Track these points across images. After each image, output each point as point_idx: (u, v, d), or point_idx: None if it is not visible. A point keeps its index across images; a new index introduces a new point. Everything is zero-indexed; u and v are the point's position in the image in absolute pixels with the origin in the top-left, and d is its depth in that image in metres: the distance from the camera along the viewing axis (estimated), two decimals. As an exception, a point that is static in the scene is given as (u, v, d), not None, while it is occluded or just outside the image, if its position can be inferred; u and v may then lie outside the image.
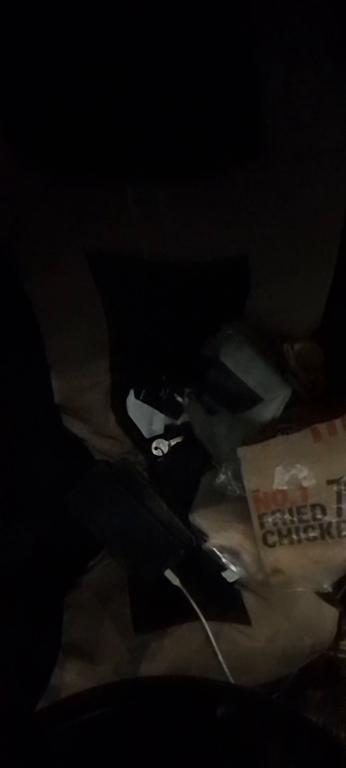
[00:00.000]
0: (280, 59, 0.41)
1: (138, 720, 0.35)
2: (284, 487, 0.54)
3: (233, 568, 0.61)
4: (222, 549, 0.61)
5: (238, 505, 0.58)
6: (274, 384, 0.65)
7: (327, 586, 0.59)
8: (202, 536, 0.62)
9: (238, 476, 0.57)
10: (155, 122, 0.45)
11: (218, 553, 0.61)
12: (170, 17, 0.39)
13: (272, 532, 0.55)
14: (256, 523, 0.55)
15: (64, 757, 0.33)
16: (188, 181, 0.50)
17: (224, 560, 0.61)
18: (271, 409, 0.65)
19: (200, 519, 0.62)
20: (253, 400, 0.64)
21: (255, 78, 0.42)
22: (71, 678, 0.57)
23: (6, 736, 0.40)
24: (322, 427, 0.53)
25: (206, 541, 0.61)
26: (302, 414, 0.62)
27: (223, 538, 0.60)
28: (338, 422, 0.53)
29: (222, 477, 0.61)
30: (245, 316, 0.65)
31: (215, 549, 0.61)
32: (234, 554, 0.60)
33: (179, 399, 0.70)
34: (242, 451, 0.55)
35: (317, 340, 0.66)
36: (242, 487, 0.56)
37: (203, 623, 0.59)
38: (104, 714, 0.34)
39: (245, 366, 0.65)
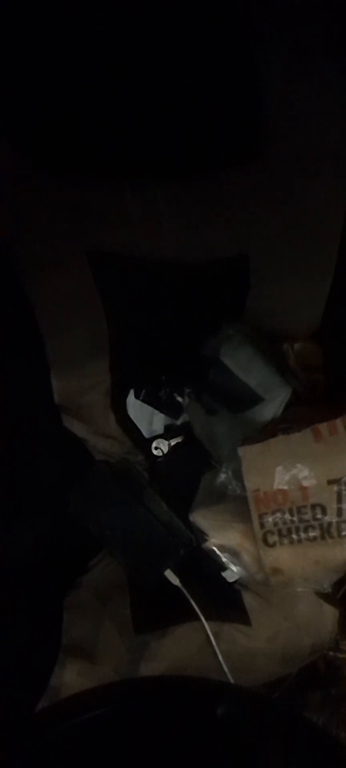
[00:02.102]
0: (280, 60, 0.41)
1: (138, 720, 0.35)
2: (285, 487, 0.54)
3: (233, 567, 0.61)
4: (222, 549, 0.61)
5: (238, 505, 0.58)
6: (274, 384, 0.65)
7: (327, 586, 0.59)
8: (202, 536, 0.62)
9: (238, 476, 0.57)
10: (156, 123, 0.45)
11: (218, 552, 0.61)
12: (171, 18, 0.39)
13: (272, 532, 0.55)
14: (256, 522, 0.55)
15: (64, 757, 0.33)
16: (188, 181, 0.50)
17: (223, 560, 0.61)
18: (271, 409, 0.65)
19: (200, 518, 0.62)
20: (253, 400, 0.64)
21: (255, 78, 0.42)
22: (71, 678, 0.57)
23: (6, 736, 0.40)
24: (323, 427, 0.53)
25: (205, 540, 0.61)
26: (303, 414, 0.62)
27: (223, 537, 0.60)
28: (338, 422, 0.53)
29: (222, 476, 0.60)
30: (245, 316, 0.65)
31: (214, 549, 0.61)
32: (234, 554, 0.60)
33: (179, 399, 0.70)
34: (243, 451, 0.55)
35: (317, 340, 0.67)
36: (243, 487, 0.56)
37: (203, 623, 0.59)
38: (104, 714, 0.34)
39: (245, 366, 0.65)
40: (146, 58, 0.41)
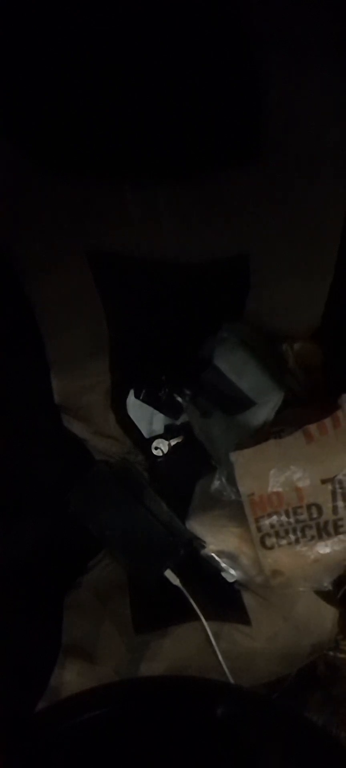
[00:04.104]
0: (280, 60, 0.41)
1: (138, 720, 0.35)
2: (279, 489, 0.54)
3: (232, 572, 0.61)
4: (220, 554, 0.61)
5: (234, 509, 0.58)
6: (267, 388, 0.65)
7: (327, 585, 0.59)
8: (199, 542, 0.62)
9: (233, 481, 0.57)
10: (156, 122, 0.45)
11: (217, 558, 0.61)
12: (171, 17, 0.39)
13: (269, 535, 0.56)
14: (253, 526, 0.55)
15: (64, 757, 0.33)
16: (188, 181, 0.50)
17: (223, 565, 0.61)
18: (263, 412, 0.65)
19: (197, 525, 0.62)
20: (245, 403, 0.64)
21: (255, 78, 0.42)
22: (71, 678, 0.57)
23: (6, 736, 0.40)
24: (313, 428, 0.53)
25: (203, 547, 0.61)
26: (295, 416, 0.62)
27: (220, 543, 0.60)
28: (327, 422, 0.53)
29: (216, 483, 0.61)
30: (245, 316, 0.65)
31: (213, 554, 0.61)
32: (232, 558, 0.60)
33: (179, 399, 0.70)
34: (235, 456, 0.55)
35: (317, 340, 0.66)
36: (238, 492, 0.56)
37: (203, 623, 0.59)
38: (104, 714, 0.34)
39: (238, 369, 0.65)
40: (146, 57, 0.41)
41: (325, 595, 0.62)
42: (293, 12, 0.39)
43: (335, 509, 0.54)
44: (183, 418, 0.72)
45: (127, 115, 0.44)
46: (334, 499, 0.54)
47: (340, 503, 0.54)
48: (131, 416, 0.72)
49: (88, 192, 0.50)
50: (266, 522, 0.55)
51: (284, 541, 0.55)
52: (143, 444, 0.72)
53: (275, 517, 0.55)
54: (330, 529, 0.55)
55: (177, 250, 0.56)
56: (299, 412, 0.63)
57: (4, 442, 0.60)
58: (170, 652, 0.59)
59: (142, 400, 0.71)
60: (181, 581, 0.62)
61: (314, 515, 0.54)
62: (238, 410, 0.65)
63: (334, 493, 0.54)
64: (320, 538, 0.55)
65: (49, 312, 0.61)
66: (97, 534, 0.66)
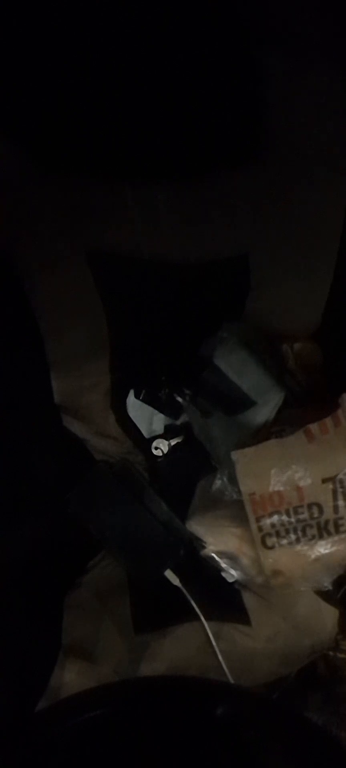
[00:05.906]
0: (280, 60, 0.41)
1: (138, 720, 0.35)
2: (281, 489, 0.54)
3: (232, 572, 0.61)
4: (220, 554, 0.61)
5: (234, 509, 0.58)
6: (267, 387, 0.65)
7: (327, 584, 0.59)
8: (199, 543, 0.62)
9: (234, 481, 0.57)
10: (156, 123, 0.45)
11: (217, 558, 0.61)
12: (171, 17, 0.39)
13: (270, 534, 0.56)
14: (254, 525, 0.55)
15: (64, 757, 0.33)
16: (188, 181, 0.50)
17: (223, 565, 0.61)
18: (264, 412, 0.64)
19: (197, 526, 0.62)
20: (246, 403, 0.64)
21: (255, 78, 0.42)
22: (71, 678, 0.57)
23: (6, 736, 0.40)
24: (314, 427, 0.53)
25: (203, 547, 0.61)
26: (295, 416, 0.62)
27: (221, 543, 0.60)
28: (328, 421, 0.53)
29: (218, 483, 0.61)
30: (245, 316, 0.65)
31: (213, 555, 0.61)
32: (232, 558, 0.60)
33: (179, 399, 0.70)
34: (237, 455, 0.55)
35: (316, 340, 0.66)
36: (239, 492, 0.56)
37: (203, 623, 0.59)
38: (104, 714, 0.34)
39: (238, 369, 0.65)
40: (146, 57, 0.41)
41: (325, 595, 0.62)
42: (293, 11, 0.39)
43: (335, 508, 0.54)
44: (183, 418, 0.72)
45: (127, 114, 0.44)
46: (335, 498, 0.54)
47: (341, 502, 0.54)
48: (131, 416, 0.72)
49: (88, 192, 0.50)
50: (267, 521, 0.55)
51: (284, 541, 0.55)
52: (143, 444, 0.72)
53: (276, 517, 0.55)
54: (331, 528, 0.55)
55: (177, 250, 0.56)
56: (300, 412, 0.63)
57: (4, 442, 0.60)
58: (170, 652, 0.59)
59: (142, 400, 0.71)
60: (181, 581, 0.62)
61: (315, 514, 0.54)
62: (238, 410, 0.65)
63: (335, 492, 0.54)
64: (321, 537, 0.55)
65: (49, 312, 0.61)
66: (97, 534, 0.66)
